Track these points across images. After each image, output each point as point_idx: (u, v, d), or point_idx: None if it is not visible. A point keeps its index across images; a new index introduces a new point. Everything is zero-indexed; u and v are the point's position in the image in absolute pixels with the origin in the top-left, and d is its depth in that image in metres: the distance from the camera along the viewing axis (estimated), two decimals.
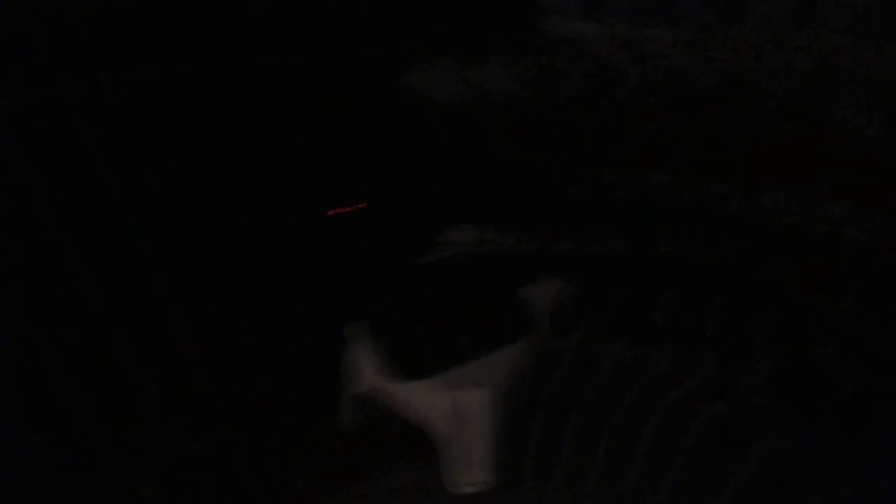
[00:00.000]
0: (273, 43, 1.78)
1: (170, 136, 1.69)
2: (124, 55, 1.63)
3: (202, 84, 1.69)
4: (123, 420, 1.57)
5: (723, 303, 1.89)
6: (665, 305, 1.94)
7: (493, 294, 1.75)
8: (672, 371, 1.91)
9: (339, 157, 1.90)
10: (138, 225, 1.63)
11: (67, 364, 1.49)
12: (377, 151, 1.97)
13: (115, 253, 1.60)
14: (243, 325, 1.79)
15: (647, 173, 1.89)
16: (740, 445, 1.76)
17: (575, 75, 1.85)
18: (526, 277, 1.82)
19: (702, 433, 1.79)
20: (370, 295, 1.73)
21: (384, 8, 1.86)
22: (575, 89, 1.86)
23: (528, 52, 1.85)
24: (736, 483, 1.66)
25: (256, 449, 1.71)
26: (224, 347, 1.74)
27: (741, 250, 1.92)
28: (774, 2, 1.75)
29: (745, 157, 1.88)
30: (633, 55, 1.81)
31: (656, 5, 1.79)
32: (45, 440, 1.45)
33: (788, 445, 1.71)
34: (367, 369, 1.62)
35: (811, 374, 1.80)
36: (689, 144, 1.87)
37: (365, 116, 1.90)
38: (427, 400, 1.56)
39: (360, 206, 1.86)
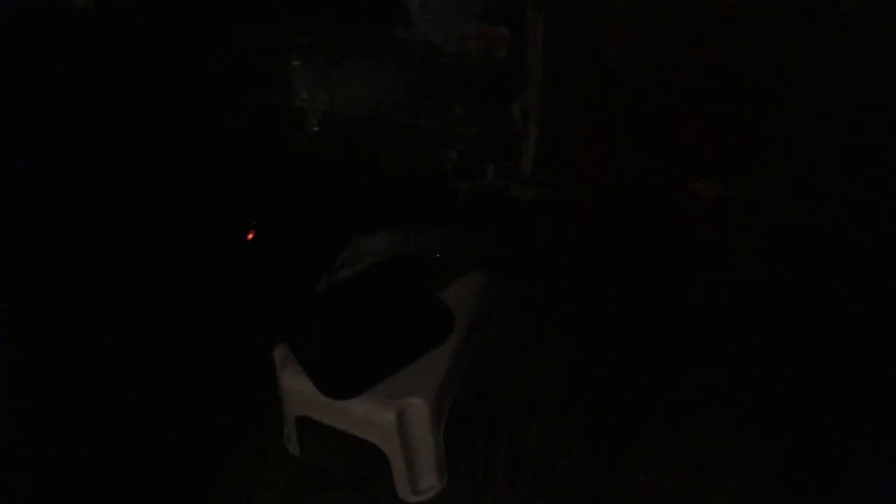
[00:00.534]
0: None
1: None
2: None
3: None
4: None
5: None
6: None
7: (417, 296, 1.72)
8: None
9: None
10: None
11: None
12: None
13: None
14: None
15: None
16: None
17: None
18: (449, 276, 1.81)
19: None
20: (293, 315, 1.70)
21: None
22: None
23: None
24: None
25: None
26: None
27: None
28: None
29: None
30: None
31: None
32: None
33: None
34: (300, 391, 1.59)
35: None
36: None
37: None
38: (369, 414, 1.54)
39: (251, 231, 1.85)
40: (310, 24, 1.90)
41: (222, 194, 2.03)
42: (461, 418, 1.72)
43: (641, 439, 1.82)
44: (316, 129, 2.07)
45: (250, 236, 1.95)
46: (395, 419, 1.52)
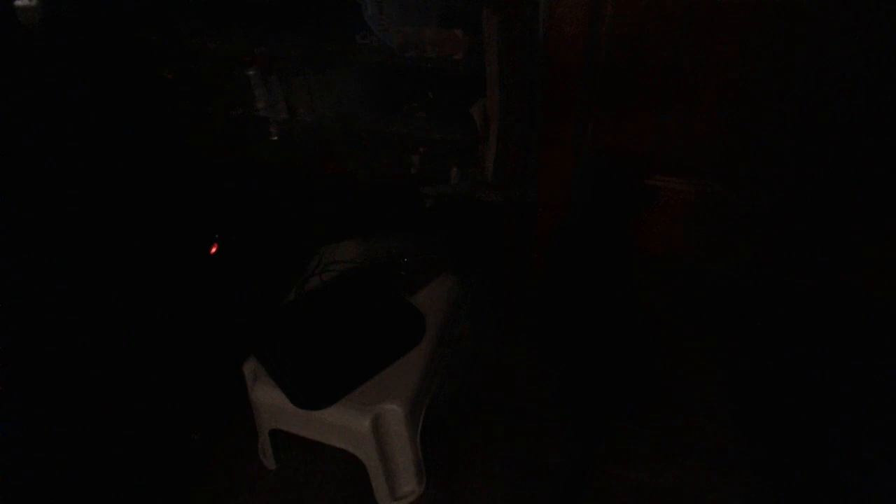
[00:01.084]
0: None
1: None
2: None
3: None
4: None
5: None
6: None
7: (388, 302, 1.70)
8: None
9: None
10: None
11: None
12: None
13: None
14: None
15: None
16: None
17: None
18: (418, 280, 1.80)
19: None
20: (261, 327, 1.68)
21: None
22: None
23: None
24: None
25: None
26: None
27: None
28: None
29: None
30: None
31: None
32: None
33: None
34: (272, 404, 1.57)
35: None
36: None
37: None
38: (344, 422, 1.52)
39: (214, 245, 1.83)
40: (267, 36, 1.89)
41: (183, 208, 2.00)
42: (438, 421, 1.71)
43: (628, 439, 1.83)
44: (277, 138, 2.05)
45: (213, 250, 1.92)
46: (370, 426, 1.51)
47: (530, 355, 2.08)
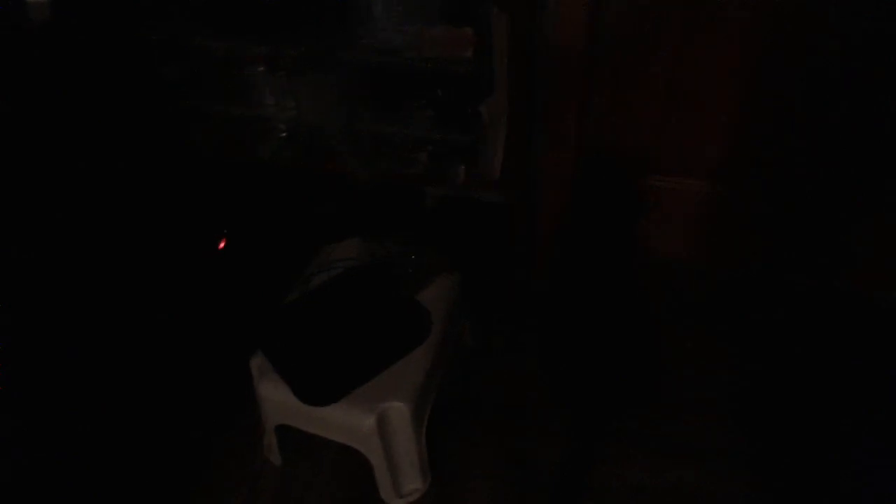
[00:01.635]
0: None
1: None
2: None
3: None
4: None
5: None
6: None
7: (392, 299, 1.71)
8: None
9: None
10: None
11: None
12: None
13: None
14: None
15: None
16: None
17: None
18: (423, 278, 1.79)
19: None
20: (268, 323, 1.69)
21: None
22: None
23: None
24: None
25: None
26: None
27: None
28: None
29: None
30: None
31: None
32: None
33: None
34: (279, 400, 1.57)
35: None
36: None
37: None
38: (350, 419, 1.53)
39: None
40: (267, 35, 1.89)
41: (191, 205, 2.00)
42: (439, 420, 1.72)
43: (628, 439, 1.84)
44: (282, 137, 2.06)
45: (222, 245, 1.93)
46: (375, 423, 1.51)
47: (531, 354, 2.09)
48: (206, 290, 1.97)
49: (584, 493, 1.72)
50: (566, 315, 2.23)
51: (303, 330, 1.63)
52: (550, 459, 1.79)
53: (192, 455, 1.83)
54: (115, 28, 1.88)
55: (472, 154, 1.89)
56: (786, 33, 1.78)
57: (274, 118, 2.05)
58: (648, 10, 1.85)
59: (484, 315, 2.13)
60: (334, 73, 1.90)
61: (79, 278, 1.71)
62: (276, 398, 1.58)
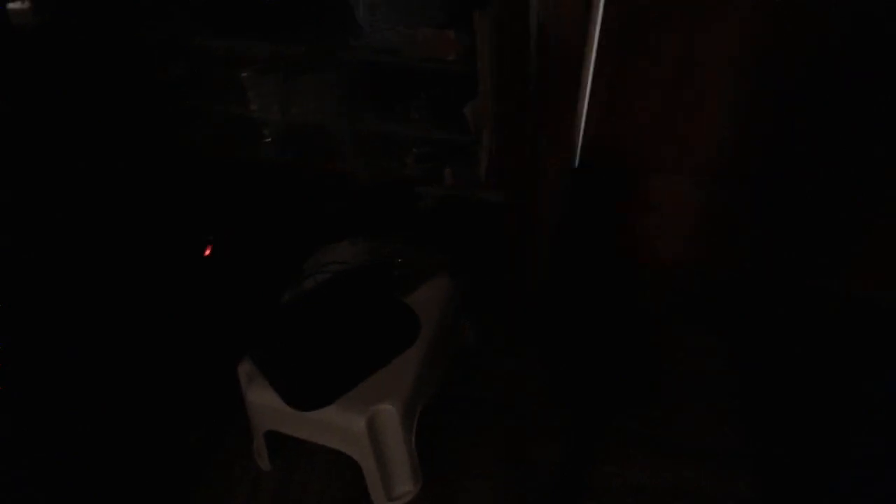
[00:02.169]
0: None
1: None
2: None
3: None
4: None
5: None
6: None
7: (382, 302, 1.70)
8: None
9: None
10: None
11: None
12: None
13: None
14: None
15: None
16: None
17: None
18: (413, 280, 1.79)
19: None
20: (256, 329, 1.68)
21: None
22: None
23: None
24: None
25: None
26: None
27: None
28: None
29: None
30: None
31: None
32: None
33: None
34: (267, 406, 1.56)
35: None
36: None
37: None
38: (339, 423, 1.52)
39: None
40: (265, 36, 1.89)
41: (178, 209, 2.00)
42: (436, 421, 1.70)
43: (628, 439, 1.82)
44: (272, 138, 2.06)
45: (207, 252, 1.93)
46: (365, 426, 1.50)
47: (529, 354, 2.08)
48: (205, 290, 1.96)
49: (584, 493, 1.70)
50: (564, 315, 2.21)
51: (289, 335, 1.62)
52: (550, 459, 1.77)
53: (192, 455, 1.82)
54: (115, 28, 1.89)
55: (460, 155, 1.88)
56: (786, 33, 1.76)
57: (273, 118, 2.05)
58: (648, 10, 1.84)
59: (484, 315, 2.11)
60: (333, 72, 1.90)
61: (79, 278, 1.71)
62: (265, 404, 1.56)
